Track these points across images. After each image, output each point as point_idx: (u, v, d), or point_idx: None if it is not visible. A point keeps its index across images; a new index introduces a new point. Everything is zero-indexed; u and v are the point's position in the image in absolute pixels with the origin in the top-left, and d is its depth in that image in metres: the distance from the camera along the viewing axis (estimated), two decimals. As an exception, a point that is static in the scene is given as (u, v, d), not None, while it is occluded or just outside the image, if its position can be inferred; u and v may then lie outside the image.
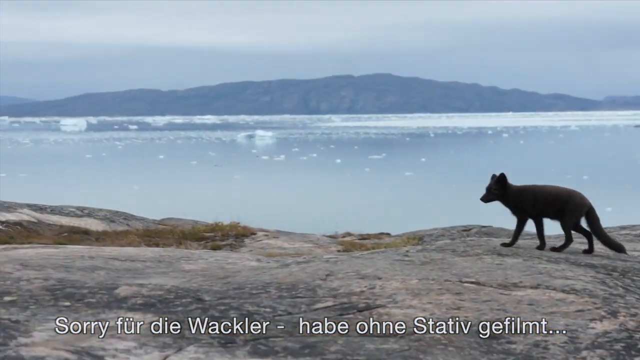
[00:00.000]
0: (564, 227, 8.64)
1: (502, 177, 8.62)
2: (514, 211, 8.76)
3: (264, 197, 43.74)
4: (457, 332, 5.52)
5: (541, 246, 8.68)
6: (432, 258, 7.82)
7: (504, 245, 8.62)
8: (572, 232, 8.67)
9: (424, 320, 5.73)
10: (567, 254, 8.42)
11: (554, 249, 8.58)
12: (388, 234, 18.60)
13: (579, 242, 9.04)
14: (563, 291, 6.51)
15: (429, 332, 5.48)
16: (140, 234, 16.26)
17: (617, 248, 8.70)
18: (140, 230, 16.89)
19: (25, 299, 6.17)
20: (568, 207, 8.54)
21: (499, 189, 8.63)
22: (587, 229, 8.65)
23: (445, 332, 5.49)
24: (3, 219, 16.40)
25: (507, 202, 8.72)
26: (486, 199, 8.72)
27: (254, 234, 16.94)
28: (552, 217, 8.72)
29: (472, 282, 6.75)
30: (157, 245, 14.54)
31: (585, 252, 8.63)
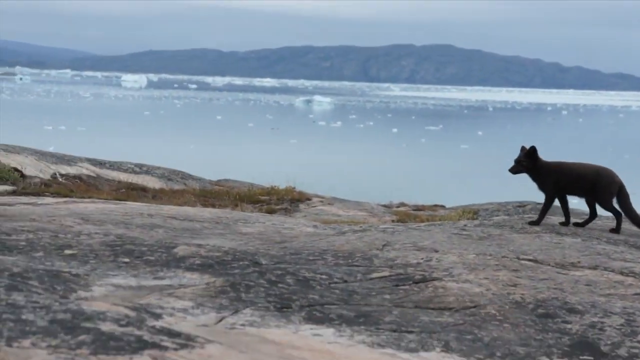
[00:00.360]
0: (603, 206, 8.54)
1: (533, 149, 8.49)
2: (540, 186, 8.64)
3: (320, 162, 43.78)
4: (512, 308, 5.50)
5: (566, 222, 8.63)
6: (490, 233, 7.80)
7: (562, 224, 8.55)
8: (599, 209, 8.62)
9: (480, 296, 5.72)
10: (626, 236, 8.35)
11: (612, 231, 8.50)
12: (442, 206, 18.59)
13: (633, 226, 8.95)
14: (621, 273, 6.46)
15: (485, 308, 5.47)
16: (197, 193, 16.39)
17: None
18: (197, 190, 17.03)
19: (86, 253, 6.24)
20: (599, 185, 8.42)
21: (527, 162, 8.49)
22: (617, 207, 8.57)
23: (500, 308, 5.48)
24: (63, 171, 16.60)
25: (535, 176, 8.59)
26: (514, 170, 8.62)
27: (309, 199, 17.00)
28: (583, 196, 8.62)
29: (529, 260, 6.73)
30: (212, 205, 14.64)
31: (612, 231, 8.55)
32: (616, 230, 8.49)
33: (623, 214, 8.51)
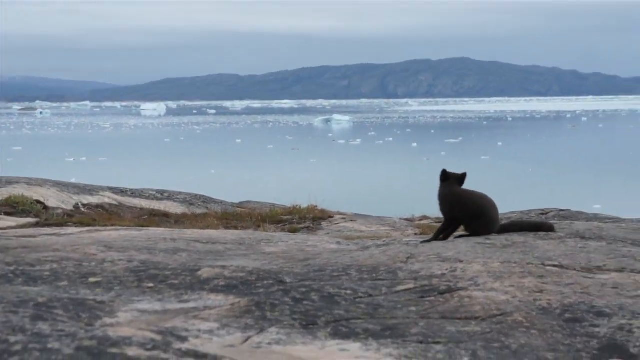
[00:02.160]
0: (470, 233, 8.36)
1: (442, 174, 8.32)
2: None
3: (341, 180, 43.82)
4: (539, 315, 5.48)
5: (432, 239, 8.34)
6: (514, 241, 7.77)
7: (425, 242, 8.24)
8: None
9: (506, 303, 5.70)
10: (651, 237, 8.29)
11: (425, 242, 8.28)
12: (466, 218, 18.51)
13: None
14: (648, 275, 6.42)
15: (511, 315, 5.45)
16: (219, 216, 16.39)
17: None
18: (219, 213, 17.04)
19: (110, 280, 6.25)
20: (477, 225, 8.24)
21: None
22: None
23: (527, 315, 5.45)
24: (85, 201, 16.65)
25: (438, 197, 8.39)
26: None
27: (332, 217, 16.98)
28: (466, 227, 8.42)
29: (554, 265, 6.69)
30: (235, 228, 14.65)
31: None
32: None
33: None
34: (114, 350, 3.96)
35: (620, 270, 6.55)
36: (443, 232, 8.33)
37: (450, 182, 8.28)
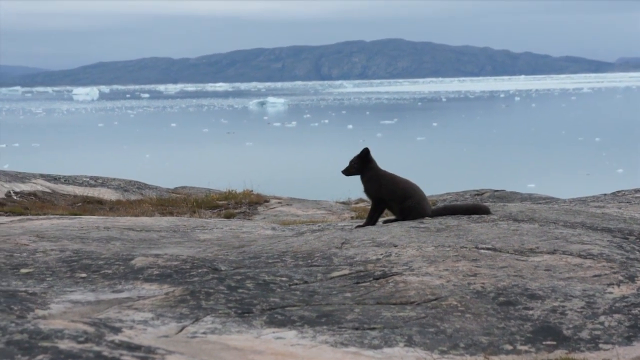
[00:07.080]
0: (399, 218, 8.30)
1: (364, 152, 8.24)
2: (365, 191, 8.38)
3: (276, 164, 43.73)
4: (474, 298, 5.50)
5: (367, 224, 8.25)
6: (448, 224, 7.79)
7: (359, 226, 8.22)
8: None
9: (441, 288, 5.72)
10: (584, 218, 8.37)
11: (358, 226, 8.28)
12: (402, 200, 18.52)
13: (594, 206, 8.95)
14: (580, 256, 6.48)
15: (446, 299, 5.47)
16: (154, 202, 16.27)
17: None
18: (154, 199, 16.91)
19: (42, 270, 6.17)
20: (408, 206, 8.19)
21: (358, 164, 8.25)
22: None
23: (462, 299, 5.48)
24: (17, 189, 16.43)
25: (362, 180, 8.34)
26: (347, 172, 8.34)
27: (267, 201, 16.93)
28: (394, 211, 8.35)
29: (488, 249, 6.72)
30: (171, 214, 14.56)
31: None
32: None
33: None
34: (45, 343, 3.91)
35: (553, 252, 6.60)
36: (374, 215, 8.29)
37: (371, 164, 8.25)
